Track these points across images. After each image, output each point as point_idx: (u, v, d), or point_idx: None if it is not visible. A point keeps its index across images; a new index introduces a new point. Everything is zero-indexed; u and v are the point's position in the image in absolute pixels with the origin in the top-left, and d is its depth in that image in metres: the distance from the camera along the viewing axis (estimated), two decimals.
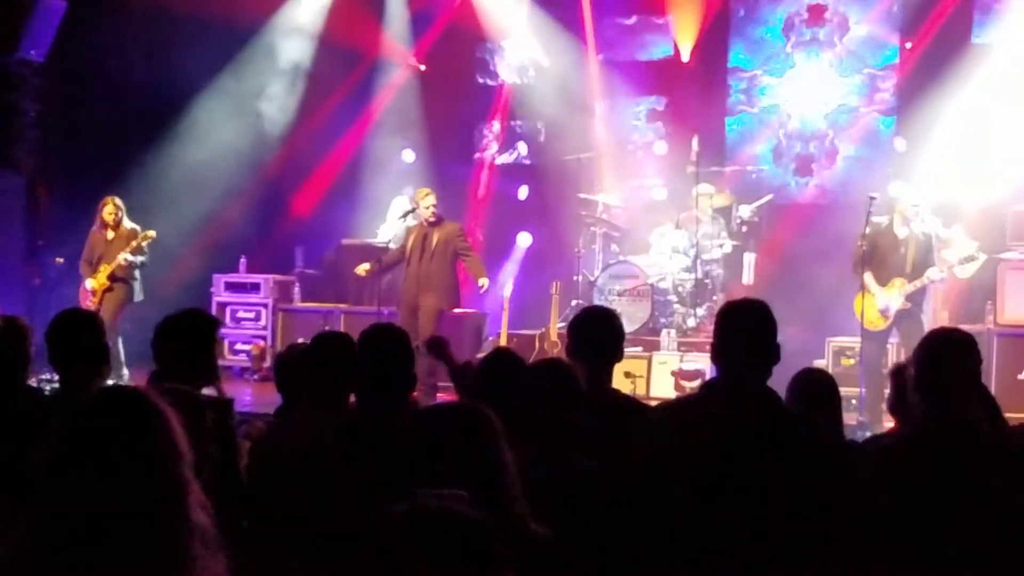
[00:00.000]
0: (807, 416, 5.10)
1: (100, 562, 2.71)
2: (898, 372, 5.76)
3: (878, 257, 11.37)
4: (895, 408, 5.76)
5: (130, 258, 12.69)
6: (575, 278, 13.89)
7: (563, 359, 5.10)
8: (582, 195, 14.39)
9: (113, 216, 12.87)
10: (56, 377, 5.46)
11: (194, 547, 2.81)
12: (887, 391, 6.63)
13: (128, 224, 12.92)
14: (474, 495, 3.10)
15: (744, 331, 4.43)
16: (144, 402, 2.86)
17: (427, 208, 12.29)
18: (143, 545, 2.74)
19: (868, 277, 11.31)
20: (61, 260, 14.48)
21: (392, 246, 12.78)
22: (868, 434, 8.23)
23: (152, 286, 12.98)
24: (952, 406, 4.25)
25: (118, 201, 12.95)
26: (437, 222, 12.33)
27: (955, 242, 11.98)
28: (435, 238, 12.22)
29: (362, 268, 12.64)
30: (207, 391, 5.21)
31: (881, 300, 11.27)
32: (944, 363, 4.32)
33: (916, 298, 11.23)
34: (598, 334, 5.31)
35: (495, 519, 2.63)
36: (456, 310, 12.68)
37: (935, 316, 12.03)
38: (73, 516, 2.74)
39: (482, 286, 12.46)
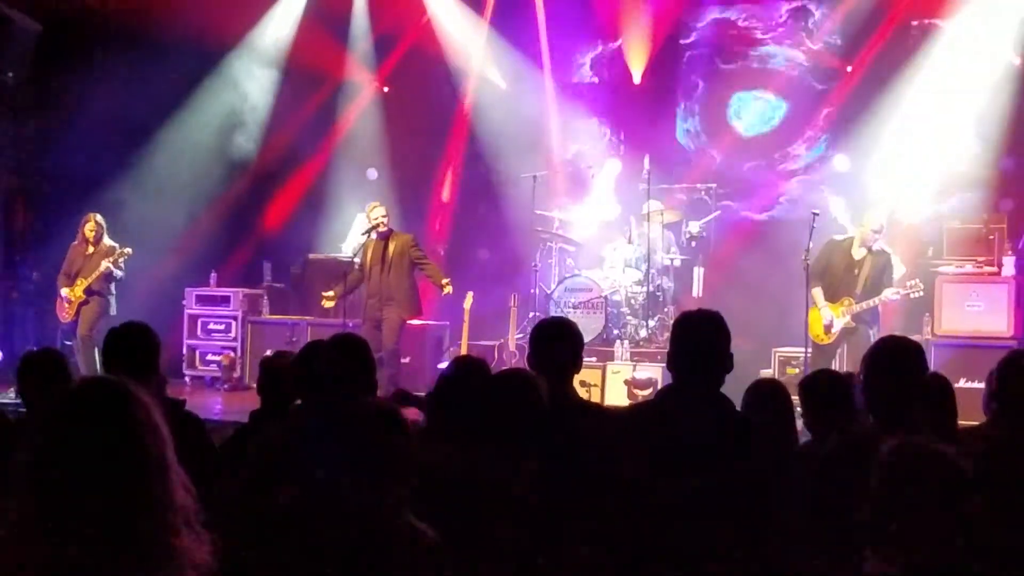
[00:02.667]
0: (760, 421, 5.12)
1: (86, 541, 2.71)
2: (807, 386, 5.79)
3: (832, 274, 11.47)
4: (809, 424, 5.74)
5: (111, 267, 12.75)
6: (532, 291, 13.88)
7: (525, 369, 5.07)
8: (538, 211, 14.39)
9: (94, 232, 12.99)
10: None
11: (178, 527, 2.82)
12: None
13: (107, 241, 13.04)
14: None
15: (699, 340, 4.44)
16: (127, 389, 2.87)
17: (375, 219, 12.24)
18: (129, 524, 2.75)
19: (817, 292, 11.41)
20: (37, 275, 14.38)
21: (356, 260, 12.69)
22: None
23: (127, 300, 12.92)
24: (896, 409, 4.27)
25: (99, 218, 13.08)
26: (389, 233, 12.28)
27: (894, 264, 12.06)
28: (391, 250, 12.21)
29: (327, 298, 12.55)
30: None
31: (826, 316, 11.38)
32: (890, 368, 4.34)
33: (864, 316, 11.31)
34: (558, 343, 5.29)
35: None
36: (417, 320, 12.65)
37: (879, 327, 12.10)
38: (63, 498, 2.74)
39: (444, 289, 12.29)
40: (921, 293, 11.40)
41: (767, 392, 5.75)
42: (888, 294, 11.22)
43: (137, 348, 5.20)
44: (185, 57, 14.61)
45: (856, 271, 11.40)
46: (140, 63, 14.71)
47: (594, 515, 4.33)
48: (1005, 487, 4.26)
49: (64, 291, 12.86)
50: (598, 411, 5.47)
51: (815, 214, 11.81)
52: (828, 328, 11.39)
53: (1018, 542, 4.13)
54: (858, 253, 11.45)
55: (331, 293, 12.50)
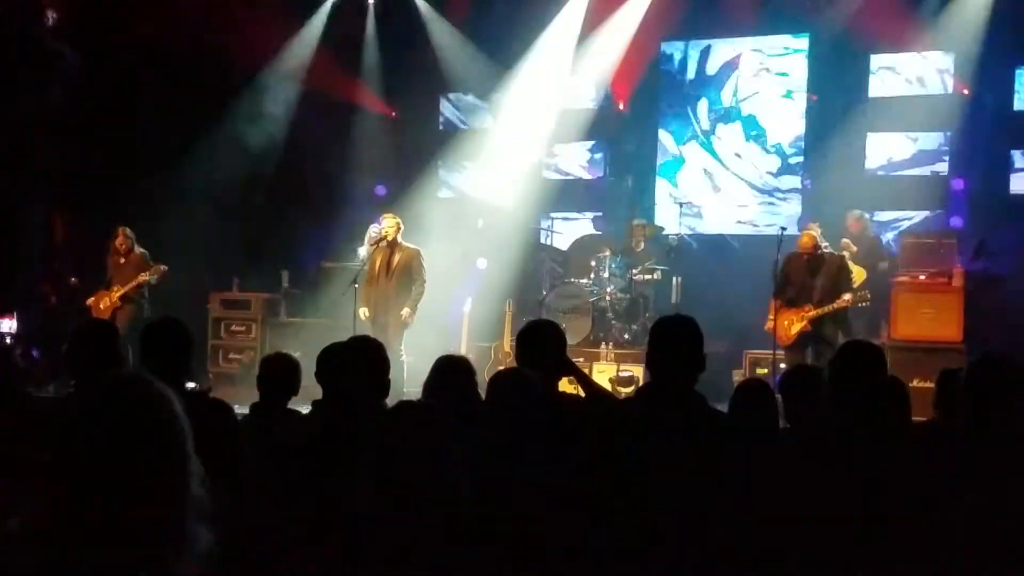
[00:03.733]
0: (739, 417, 5.18)
1: (104, 529, 2.69)
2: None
3: (791, 283, 11.54)
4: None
5: (147, 279, 13.00)
6: (526, 297, 13.92)
7: (522, 368, 5.09)
8: (532, 226, 14.42)
9: (123, 244, 13.22)
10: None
11: (190, 517, 2.80)
12: None
13: (138, 250, 13.24)
14: None
15: (675, 342, 4.45)
16: (151, 384, 2.85)
17: (383, 230, 12.17)
18: (147, 515, 2.73)
19: (777, 302, 11.52)
20: (75, 280, 14.39)
21: (364, 267, 12.61)
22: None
23: (160, 304, 12.97)
24: (861, 405, 4.30)
25: (128, 231, 13.29)
26: (397, 244, 12.19)
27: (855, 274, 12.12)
28: (396, 259, 12.14)
29: (364, 312, 12.19)
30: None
31: (786, 321, 11.45)
32: (854, 369, 4.38)
33: (825, 320, 11.35)
34: (542, 342, 5.33)
35: None
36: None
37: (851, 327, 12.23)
38: (83, 490, 2.72)
39: (403, 315, 11.95)
40: (867, 303, 11.46)
41: (755, 389, 5.81)
42: (846, 297, 11.27)
43: (174, 342, 5.12)
44: (210, 81, 14.62)
45: (812, 279, 11.48)
46: (169, 86, 14.72)
47: (578, 500, 4.34)
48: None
49: (90, 300, 13.15)
50: (583, 405, 5.48)
51: (783, 229, 11.97)
52: (787, 332, 11.50)
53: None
54: (814, 262, 11.53)
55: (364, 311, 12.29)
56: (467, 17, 15.90)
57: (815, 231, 11.63)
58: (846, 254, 12.10)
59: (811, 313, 11.33)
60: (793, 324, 11.44)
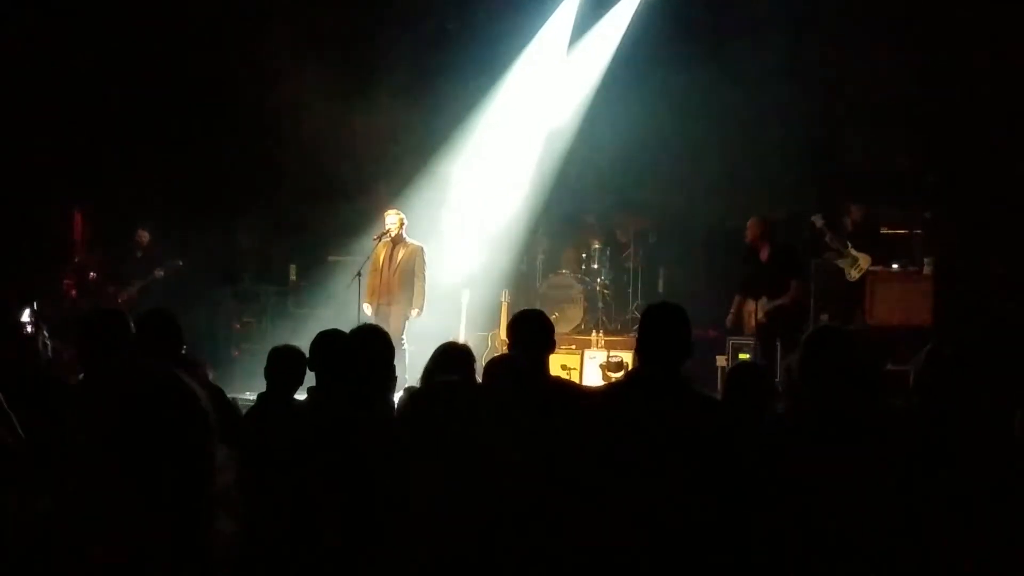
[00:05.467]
0: (730, 401, 5.19)
1: (138, 516, 2.68)
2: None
3: (747, 275, 11.72)
4: None
5: (161, 273, 13.58)
6: (521, 287, 13.93)
7: (512, 354, 5.12)
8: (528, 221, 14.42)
9: (140, 240, 14.03)
10: None
11: (214, 506, 2.80)
12: None
13: (153, 244, 14.04)
14: None
15: (663, 328, 4.44)
16: (181, 383, 2.84)
17: (387, 225, 12.15)
18: (177, 503, 2.72)
19: (738, 297, 11.98)
20: (94, 276, 14.38)
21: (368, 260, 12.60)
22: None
23: (177, 297, 12.96)
24: (830, 390, 4.27)
25: (145, 228, 14.00)
26: (401, 239, 12.19)
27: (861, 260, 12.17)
28: (399, 254, 12.14)
29: (368, 307, 12.24)
30: None
31: (746, 313, 11.65)
32: (823, 354, 4.35)
33: (779, 308, 11.58)
34: (534, 328, 5.36)
35: None
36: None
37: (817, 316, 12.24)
38: (116, 475, 2.70)
39: (413, 315, 12.04)
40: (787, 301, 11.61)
41: (748, 371, 5.82)
42: (793, 287, 11.41)
43: (164, 331, 5.21)
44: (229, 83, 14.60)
45: (761, 274, 11.68)
46: (190, 85, 14.65)
47: (568, 481, 4.34)
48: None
49: (109, 291, 13.75)
50: (573, 388, 5.52)
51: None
52: (747, 323, 11.88)
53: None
54: (763, 254, 11.72)
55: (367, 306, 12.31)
56: None
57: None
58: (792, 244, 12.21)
59: (766, 305, 11.61)
60: (752, 314, 11.82)
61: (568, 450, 4.38)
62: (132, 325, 4.77)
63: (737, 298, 11.89)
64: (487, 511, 3.96)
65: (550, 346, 5.33)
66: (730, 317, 12.03)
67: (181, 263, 13.24)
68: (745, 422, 4.64)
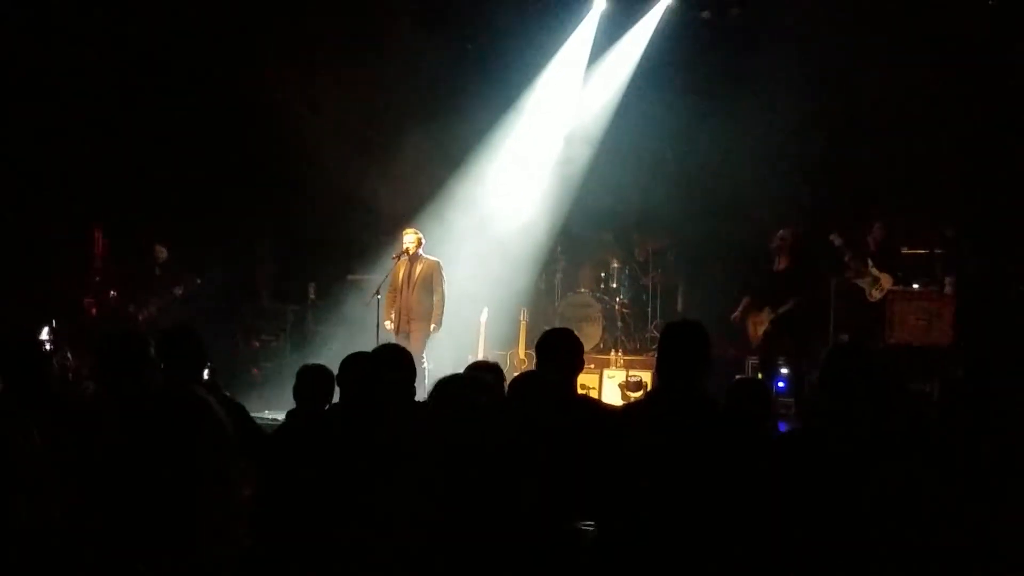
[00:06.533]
0: (741, 415, 5.15)
1: (152, 526, 2.68)
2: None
3: (754, 287, 11.66)
4: None
5: (180, 292, 13.53)
6: (540, 307, 13.93)
7: (538, 371, 5.13)
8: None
9: (159, 258, 13.89)
10: None
11: (224, 515, 2.80)
12: None
13: (172, 263, 13.81)
14: None
15: (683, 346, 4.42)
16: (196, 398, 2.85)
17: (408, 243, 12.17)
18: (190, 510, 2.72)
19: (746, 300, 11.93)
20: (114, 294, 14.42)
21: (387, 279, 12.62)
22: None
23: (197, 315, 13.00)
24: (850, 403, 4.26)
25: (163, 246, 13.84)
26: (418, 257, 12.20)
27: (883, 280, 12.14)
28: (416, 271, 12.15)
29: (389, 323, 12.20)
30: None
31: (751, 324, 11.61)
32: (844, 371, 4.34)
33: (785, 318, 11.56)
34: (563, 347, 5.34)
35: None
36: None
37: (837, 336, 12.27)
38: (127, 493, 2.70)
39: (431, 330, 12.04)
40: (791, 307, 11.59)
41: (747, 385, 5.80)
42: (792, 300, 11.47)
43: (187, 349, 5.18)
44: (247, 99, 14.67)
45: (772, 283, 11.64)
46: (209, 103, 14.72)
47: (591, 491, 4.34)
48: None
49: (129, 310, 13.61)
50: (596, 405, 5.51)
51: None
52: (754, 333, 11.83)
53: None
54: (779, 264, 11.68)
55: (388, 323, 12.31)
56: None
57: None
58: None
59: (771, 315, 11.72)
60: (760, 324, 11.87)
61: (594, 467, 4.38)
62: (152, 349, 4.78)
63: (745, 300, 11.81)
64: (506, 523, 3.94)
65: (579, 366, 5.32)
66: (736, 315, 11.90)
67: (200, 281, 13.27)
68: (763, 438, 4.63)
